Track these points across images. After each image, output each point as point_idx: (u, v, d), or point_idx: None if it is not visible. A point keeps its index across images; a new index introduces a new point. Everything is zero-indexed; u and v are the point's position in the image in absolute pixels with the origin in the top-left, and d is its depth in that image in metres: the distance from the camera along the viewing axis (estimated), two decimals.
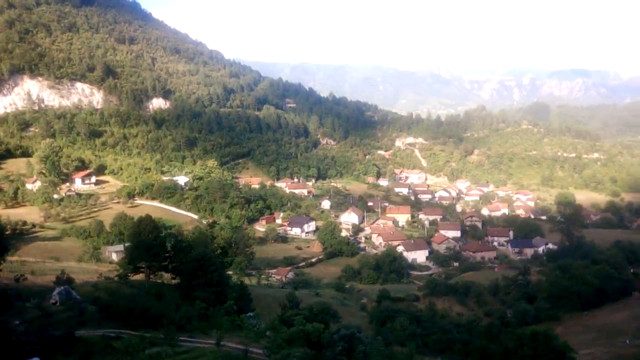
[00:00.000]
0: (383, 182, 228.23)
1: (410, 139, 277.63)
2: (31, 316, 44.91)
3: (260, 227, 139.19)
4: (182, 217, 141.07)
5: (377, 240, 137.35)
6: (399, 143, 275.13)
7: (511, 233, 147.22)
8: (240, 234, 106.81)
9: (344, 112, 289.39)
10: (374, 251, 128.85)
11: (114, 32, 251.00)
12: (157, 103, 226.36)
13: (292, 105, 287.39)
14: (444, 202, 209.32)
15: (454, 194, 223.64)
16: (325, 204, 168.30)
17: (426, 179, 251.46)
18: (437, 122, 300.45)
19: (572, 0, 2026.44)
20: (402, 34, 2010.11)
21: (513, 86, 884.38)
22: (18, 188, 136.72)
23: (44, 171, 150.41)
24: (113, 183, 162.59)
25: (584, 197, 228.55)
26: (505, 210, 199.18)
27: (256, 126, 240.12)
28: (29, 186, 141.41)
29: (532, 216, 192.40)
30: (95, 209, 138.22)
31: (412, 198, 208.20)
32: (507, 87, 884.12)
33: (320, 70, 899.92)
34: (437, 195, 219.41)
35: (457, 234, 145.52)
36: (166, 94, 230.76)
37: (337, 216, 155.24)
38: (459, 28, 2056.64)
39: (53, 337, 38.45)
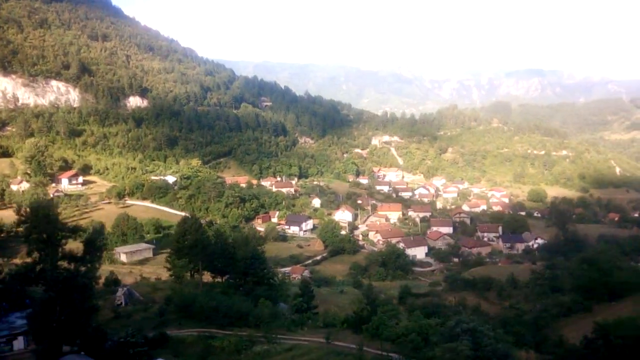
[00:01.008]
0: (363, 180, 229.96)
1: (386, 138, 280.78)
2: (106, 317, 44.16)
3: (257, 226, 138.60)
4: (177, 217, 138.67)
5: (375, 237, 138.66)
6: (375, 141, 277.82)
7: (500, 229, 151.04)
8: (251, 233, 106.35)
9: (320, 111, 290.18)
10: (374, 248, 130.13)
11: (86, 28, 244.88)
12: (134, 101, 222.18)
13: (267, 103, 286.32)
14: (424, 199, 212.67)
15: (432, 191, 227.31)
16: (316, 202, 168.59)
17: (403, 177, 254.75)
18: (411, 121, 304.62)
19: (527, 1, 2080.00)
20: (365, 34, 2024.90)
21: (472, 86, 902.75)
22: (4, 189, 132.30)
23: (28, 171, 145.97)
24: (100, 183, 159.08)
25: (554, 193, 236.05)
26: (484, 207, 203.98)
27: (235, 125, 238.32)
28: (13, 187, 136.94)
29: (510, 212, 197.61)
30: (87, 210, 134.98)
31: (394, 195, 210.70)
32: (466, 87, 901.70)
33: (284, 69, 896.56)
34: (416, 192, 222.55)
35: (450, 230, 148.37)
36: (143, 92, 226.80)
37: (329, 214, 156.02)
38: (420, 28, 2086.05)
39: (147, 337, 38.06)
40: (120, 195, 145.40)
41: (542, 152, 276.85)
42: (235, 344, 37.30)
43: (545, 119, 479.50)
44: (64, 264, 36.55)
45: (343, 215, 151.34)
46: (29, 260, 40.41)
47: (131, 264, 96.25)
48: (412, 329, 35.50)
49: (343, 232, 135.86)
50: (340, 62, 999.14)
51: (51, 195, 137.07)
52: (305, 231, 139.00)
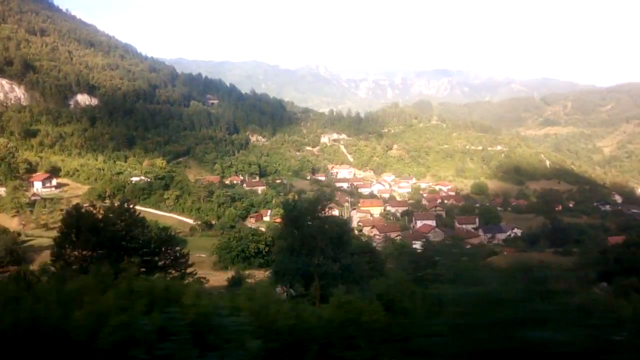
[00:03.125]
0: (321, 178, 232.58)
1: (335, 136, 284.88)
2: None
3: (253, 225, 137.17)
4: (167, 219, 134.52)
5: (372, 232, 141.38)
6: (324, 139, 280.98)
7: (477, 220, 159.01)
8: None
9: (268, 109, 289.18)
10: (373, 243, 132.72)
11: (23, 22, 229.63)
12: (83, 99, 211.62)
13: (214, 101, 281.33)
14: (383, 194, 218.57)
15: (387, 187, 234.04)
16: None
17: (355, 174, 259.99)
18: (357, 119, 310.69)
19: (432, 4, 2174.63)
20: (281, 32, 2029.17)
21: (387, 85, 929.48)
22: None
23: None
24: (74, 186, 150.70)
25: (494, 186, 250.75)
26: (439, 201, 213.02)
27: (189, 123, 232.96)
28: None
29: (464, 204, 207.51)
30: None
31: (355, 192, 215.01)
32: (381, 86, 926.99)
33: (199, 66, 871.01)
34: (374, 188, 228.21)
35: (434, 223, 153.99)
36: (91, 90, 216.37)
37: None
38: (336, 28, 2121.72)
39: None
40: (101, 198, 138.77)
41: (480, 148, 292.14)
42: None
43: (464, 116, 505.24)
44: None
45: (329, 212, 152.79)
46: None
47: None
48: None
49: None
50: (257, 60, 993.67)
51: (28, 199, 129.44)
52: None
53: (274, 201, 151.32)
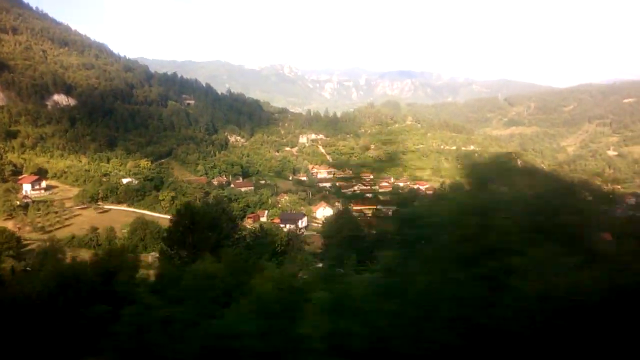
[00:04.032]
0: (303, 178, 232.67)
1: (312, 136, 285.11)
2: None
3: (251, 226, 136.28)
4: (164, 221, 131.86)
5: None
6: (302, 139, 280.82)
7: None
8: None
9: (245, 109, 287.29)
10: None
11: None
12: (60, 99, 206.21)
13: (190, 101, 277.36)
14: (367, 194, 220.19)
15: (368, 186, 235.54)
16: (285, 200, 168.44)
17: (335, 174, 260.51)
18: (334, 119, 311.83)
19: (394, 6, 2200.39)
20: (246, 32, 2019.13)
21: (351, 86, 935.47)
22: None
23: None
24: (63, 187, 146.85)
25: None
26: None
27: (169, 124, 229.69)
28: None
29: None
30: (65, 216, 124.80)
31: (340, 192, 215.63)
32: (346, 87, 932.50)
33: (162, 66, 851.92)
34: (356, 188, 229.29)
35: None
36: (68, 90, 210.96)
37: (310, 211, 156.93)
38: (300, 30, 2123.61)
39: None
40: (94, 199, 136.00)
41: (454, 148, 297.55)
42: None
43: (431, 117, 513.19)
44: None
45: (325, 212, 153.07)
46: None
47: None
48: None
49: None
50: (220, 60, 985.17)
51: (19, 202, 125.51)
52: (300, 229, 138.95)
53: (269, 201, 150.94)
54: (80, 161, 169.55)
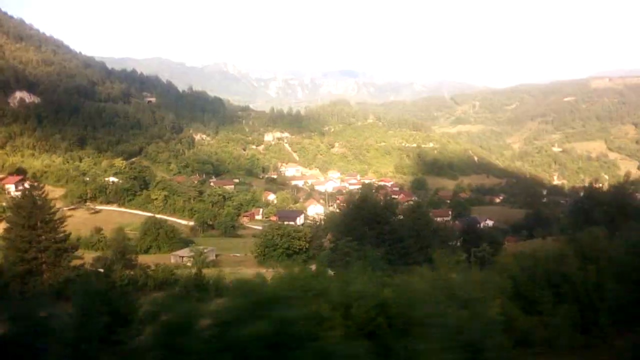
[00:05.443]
0: (273, 176, 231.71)
1: (277, 134, 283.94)
2: None
3: (247, 224, 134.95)
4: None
5: None
6: (268, 137, 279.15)
7: (450, 212, 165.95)
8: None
9: (208, 107, 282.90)
10: None
11: None
12: (23, 96, 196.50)
13: (151, 99, 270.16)
14: (341, 191, 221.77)
15: (339, 184, 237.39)
16: (271, 197, 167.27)
17: (302, 172, 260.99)
18: (298, 117, 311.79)
19: (334, 6, 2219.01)
20: (185, 29, 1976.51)
21: (296, 85, 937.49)
22: None
23: None
24: (46, 188, 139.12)
25: (433, 181, 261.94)
26: (397, 196, 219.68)
27: (135, 122, 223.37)
28: None
29: (416, 199, 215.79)
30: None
31: (313, 190, 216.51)
32: (291, 86, 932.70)
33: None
34: (327, 186, 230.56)
35: None
36: (31, 87, 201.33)
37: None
38: (243, 27, 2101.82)
39: None
40: (82, 200, 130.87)
41: (414, 145, 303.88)
42: None
43: (382, 115, 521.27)
44: None
45: (316, 209, 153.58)
46: None
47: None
48: None
49: None
50: (161, 57, 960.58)
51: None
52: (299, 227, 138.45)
53: (263, 199, 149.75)
54: (54, 161, 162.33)
